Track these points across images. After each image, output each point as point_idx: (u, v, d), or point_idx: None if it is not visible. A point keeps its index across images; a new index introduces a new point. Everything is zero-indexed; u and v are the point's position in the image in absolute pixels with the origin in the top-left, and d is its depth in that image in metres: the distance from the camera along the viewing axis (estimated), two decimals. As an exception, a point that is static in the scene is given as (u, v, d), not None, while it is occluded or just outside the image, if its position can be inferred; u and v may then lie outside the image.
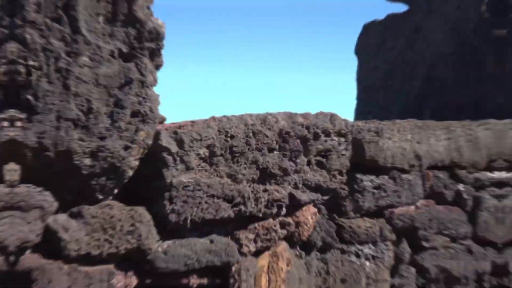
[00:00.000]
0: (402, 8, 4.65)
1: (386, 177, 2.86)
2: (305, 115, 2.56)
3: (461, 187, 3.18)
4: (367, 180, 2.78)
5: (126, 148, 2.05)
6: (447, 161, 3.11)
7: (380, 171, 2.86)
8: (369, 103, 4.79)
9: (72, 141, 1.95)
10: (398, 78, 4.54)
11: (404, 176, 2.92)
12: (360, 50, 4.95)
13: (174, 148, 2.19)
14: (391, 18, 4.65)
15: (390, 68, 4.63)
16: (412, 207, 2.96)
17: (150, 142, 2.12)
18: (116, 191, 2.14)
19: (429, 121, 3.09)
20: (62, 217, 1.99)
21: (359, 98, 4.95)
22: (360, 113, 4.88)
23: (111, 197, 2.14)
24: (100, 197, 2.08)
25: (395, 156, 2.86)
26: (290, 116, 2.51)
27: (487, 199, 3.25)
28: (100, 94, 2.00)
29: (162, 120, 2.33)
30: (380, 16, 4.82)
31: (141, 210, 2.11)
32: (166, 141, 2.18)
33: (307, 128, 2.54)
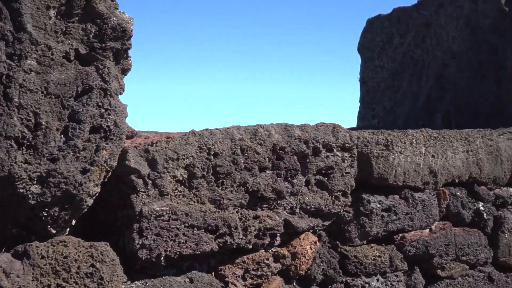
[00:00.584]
0: (410, 1, 4.34)
1: (397, 197, 2.55)
2: (303, 127, 2.24)
3: (480, 205, 2.88)
4: (375, 202, 2.46)
5: (84, 171, 1.73)
6: (465, 176, 2.81)
7: (390, 190, 2.55)
8: (374, 106, 4.48)
9: (15, 165, 1.62)
10: (406, 79, 4.23)
11: (417, 195, 2.61)
12: (364, 47, 4.63)
13: (145, 169, 1.87)
14: (398, 12, 4.33)
15: (397, 67, 4.32)
16: (426, 231, 2.66)
17: (114, 163, 1.79)
18: (73, 222, 1.81)
19: (445, 131, 2.78)
20: (4, 258, 1.66)
21: (363, 100, 4.63)
22: (364, 117, 4.57)
23: (67, 230, 1.82)
24: (53, 231, 1.75)
25: (407, 173, 2.55)
26: (286, 128, 2.19)
27: (509, 219, 2.96)
28: (51, 106, 1.67)
29: (131, 134, 2.01)
30: (386, 10, 4.50)
31: (103, 247, 1.79)
32: (135, 161, 1.85)
33: (306, 142, 2.22)
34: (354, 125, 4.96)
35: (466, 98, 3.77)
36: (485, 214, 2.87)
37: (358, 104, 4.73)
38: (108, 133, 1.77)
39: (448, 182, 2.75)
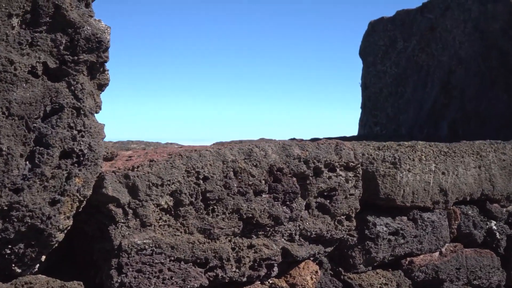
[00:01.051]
0: (414, 3, 4.09)
1: (404, 218, 2.32)
2: (303, 146, 2.00)
3: (493, 224, 2.65)
4: (382, 224, 2.23)
5: (53, 202, 1.50)
6: (477, 194, 2.58)
7: (397, 211, 2.32)
8: (376, 113, 4.24)
9: (-29, 197, 1.38)
10: (410, 85, 3.99)
11: (426, 216, 2.38)
12: (366, 51, 4.39)
13: (124, 197, 1.63)
14: (402, 15, 4.09)
15: (400, 73, 4.08)
16: (436, 254, 2.43)
17: (89, 192, 1.56)
18: (43, 258, 1.58)
19: (456, 145, 2.54)
20: (-40, 303, 1.43)
21: (364, 106, 4.40)
22: (365, 124, 4.33)
23: (37, 266, 1.58)
24: (18, 270, 1.52)
25: (416, 193, 2.32)
26: (284, 147, 1.96)
27: (523, 238, 2.73)
28: (14, 129, 1.44)
29: (111, 156, 1.77)
30: (389, 12, 4.25)
31: (76, 287, 1.55)
32: (114, 188, 1.62)
33: (306, 162, 1.99)
34: (355, 131, 4.72)
35: (475, 106, 3.53)
36: (498, 233, 2.64)
37: (360, 110, 4.50)
38: (82, 158, 1.54)
39: (459, 201, 2.53)
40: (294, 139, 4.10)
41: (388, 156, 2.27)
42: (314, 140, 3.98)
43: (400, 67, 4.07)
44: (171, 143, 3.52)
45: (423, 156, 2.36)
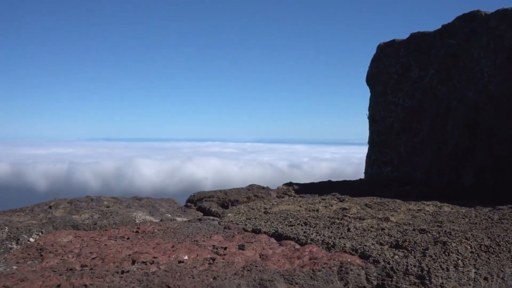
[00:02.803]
0: (431, 25, 3.36)
1: None
2: (291, 276, 1.30)
3: (546, 332, 1.94)
4: None
5: None
6: (527, 296, 1.87)
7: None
8: (386, 151, 3.52)
9: None
10: (427, 122, 3.27)
11: (462, 337, 1.67)
12: (374, 78, 3.66)
13: None
14: (417, 39, 3.36)
15: (415, 106, 3.36)
16: None
17: None
18: None
19: (500, 233, 1.84)
20: None
21: (372, 142, 3.68)
22: (374, 163, 3.61)
23: None
24: None
25: (451, 314, 1.61)
26: (261, 285, 1.26)
27: None
28: None
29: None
30: (402, 34, 3.50)
31: None
32: None
33: (295, 300, 1.29)
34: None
35: (507, 152, 2.81)
36: None
37: (367, 146, 3.78)
38: None
39: (505, 309, 1.82)
40: (291, 183, 3.39)
41: (412, 266, 1.56)
42: (312, 184, 3.26)
43: (414, 99, 3.35)
44: (136, 204, 2.83)
45: (459, 260, 1.66)
